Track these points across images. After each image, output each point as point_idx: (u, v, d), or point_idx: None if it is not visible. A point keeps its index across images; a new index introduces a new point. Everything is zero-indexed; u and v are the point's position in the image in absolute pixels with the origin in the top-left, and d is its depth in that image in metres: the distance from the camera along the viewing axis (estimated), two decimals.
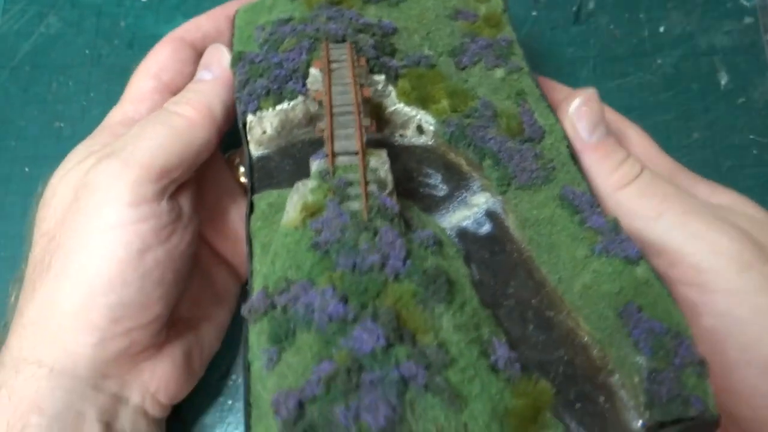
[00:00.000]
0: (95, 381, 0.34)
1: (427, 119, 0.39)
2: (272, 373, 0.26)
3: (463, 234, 0.35)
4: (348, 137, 0.34)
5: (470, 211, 0.36)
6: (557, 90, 0.44)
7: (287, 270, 0.29)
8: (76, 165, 0.37)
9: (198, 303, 0.42)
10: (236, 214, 0.44)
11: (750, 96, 0.55)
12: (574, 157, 0.36)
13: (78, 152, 0.39)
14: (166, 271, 0.35)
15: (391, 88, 0.40)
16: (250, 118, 0.39)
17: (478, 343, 0.27)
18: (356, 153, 0.33)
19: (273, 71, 0.39)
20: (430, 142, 0.40)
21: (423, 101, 0.39)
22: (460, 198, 0.37)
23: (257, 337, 0.28)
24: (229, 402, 0.45)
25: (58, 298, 0.33)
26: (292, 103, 0.39)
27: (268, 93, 0.39)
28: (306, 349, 0.26)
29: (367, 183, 0.31)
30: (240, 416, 0.44)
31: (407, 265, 0.28)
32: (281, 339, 0.27)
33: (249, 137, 0.39)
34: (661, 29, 0.58)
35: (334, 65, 0.37)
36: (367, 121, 0.34)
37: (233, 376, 0.45)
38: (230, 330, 0.44)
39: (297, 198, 0.32)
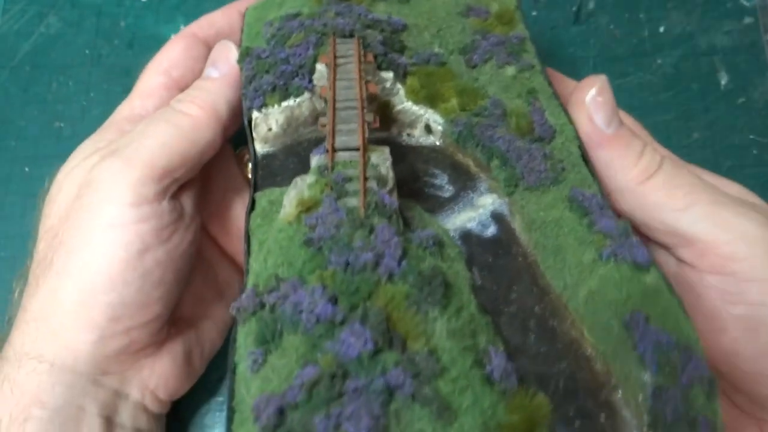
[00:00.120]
0: (95, 377, 0.34)
1: (435, 119, 0.38)
2: (257, 376, 0.25)
3: (466, 236, 0.34)
4: (350, 133, 0.33)
5: (476, 213, 0.35)
6: (565, 83, 0.43)
7: (278, 267, 0.28)
8: (82, 162, 0.37)
9: (200, 300, 0.41)
10: (242, 210, 0.43)
11: (750, 96, 0.55)
12: (585, 157, 0.35)
13: (84, 148, 0.39)
14: (166, 271, 0.35)
15: (399, 86, 0.39)
16: (255, 114, 0.38)
17: (473, 351, 0.25)
18: (357, 149, 0.32)
19: (279, 67, 0.38)
20: (438, 143, 0.39)
21: (432, 100, 0.38)
22: (466, 199, 0.36)
23: (245, 338, 0.27)
24: None
25: (59, 295, 0.33)
26: (298, 99, 0.38)
27: (273, 89, 0.38)
28: (292, 352, 0.25)
29: (366, 179, 0.30)
30: None
31: (402, 265, 0.27)
32: (268, 340, 0.26)
33: (254, 134, 0.39)
34: (661, 29, 0.58)
35: (340, 60, 0.36)
36: (370, 117, 0.33)
37: None
38: (232, 328, 0.43)
39: (294, 193, 0.31)
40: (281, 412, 0.23)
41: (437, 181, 0.37)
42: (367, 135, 0.32)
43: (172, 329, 0.38)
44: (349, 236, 0.27)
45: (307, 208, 0.29)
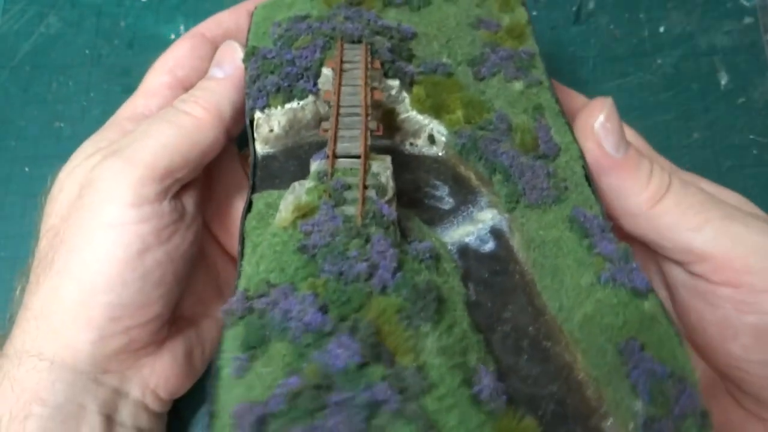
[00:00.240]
0: (96, 375, 0.34)
1: (439, 129, 0.38)
2: (240, 382, 0.25)
3: (464, 250, 0.33)
4: (352, 139, 0.32)
5: (475, 227, 0.34)
6: (571, 96, 0.43)
7: (271, 272, 0.27)
8: (83, 161, 0.37)
9: (201, 299, 0.41)
10: None
11: (750, 96, 0.55)
12: (588, 177, 0.34)
13: (86, 147, 0.39)
14: (166, 271, 0.35)
15: (405, 94, 0.39)
16: (257, 114, 0.38)
17: (463, 369, 0.25)
18: (358, 156, 0.31)
19: (285, 68, 0.38)
20: (440, 153, 0.38)
21: (437, 110, 0.38)
22: (465, 213, 0.35)
23: (231, 342, 0.26)
24: None
25: (59, 294, 0.33)
26: (301, 102, 0.38)
27: (278, 90, 0.38)
28: (278, 360, 0.24)
29: (366, 187, 0.30)
30: None
31: (397, 277, 0.26)
32: (254, 346, 0.25)
33: (255, 134, 0.38)
34: (661, 29, 0.58)
35: (346, 65, 0.36)
36: (373, 125, 0.33)
37: None
38: None
39: (291, 198, 0.30)
40: (262, 422, 0.22)
41: (438, 193, 0.37)
42: (369, 143, 0.32)
43: (172, 328, 0.38)
44: (345, 245, 0.27)
45: (304, 214, 0.29)
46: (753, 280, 0.32)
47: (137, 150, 0.35)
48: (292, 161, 0.38)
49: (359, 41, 0.38)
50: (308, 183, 0.31)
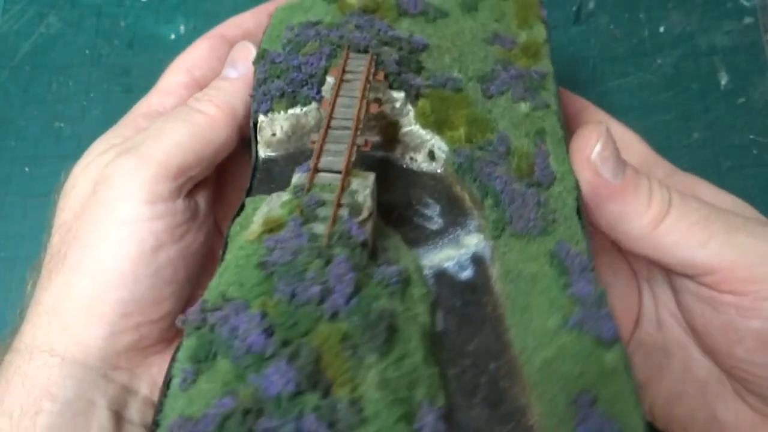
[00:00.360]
0: (105, 371, 0.34)
1: (440, 145, 0.37)
2: (184, 395, 0.25)
3: (441, 276, 0.33)
4: (337, 154, 0.32)
5: (457, 252, 0.33)
6: (575, 101, 0.42)
7: (230, 286, 0.27)
8: (97, 157, 0.38)
9: None
10: None
11: (750, 96, 0.55)
12: (580, 211, 0.33)
13: (100, 144, 0.39)
14: (178, 269, 0.35)
15: (409, 107, 0.38)
16: (261, 118, 0.38)
17: (405, 404, 0.24)
18: (340, 172, 0.31)
19: (290, 74, 0.38)
20: (439, 171, 0.38)
21: (440, 126, 0.37)
22: (452, 235, 0.34)
23: (184, 352, 0.26)
24: None
25: (72, 290, 0.34)
26: (305, 108, 0.38)
27: (282, 95, 0.38)
28: (219, 378, 0.24)
29: (340, 205, 0.29)
30: None
31: (351, 303, 0.26)
32: (201, 360, 0.25)
33: (258, 137, 0.38)
34: (661, 29, 0.58)
35: (348, 76, 0.36)
36: (361, 140, 0.32)
37: None
38: None
39: (266, 209, 0.30)
40: None
41: (428, 212, 0.36)
42: (354, 159, 0.31)
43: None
44: (304, 265, 0.26)
45: (271, 228, 0.28)
46: (757, 288, 0.33)
47: (151, 147, 0.36)
48: (292, 167, 0.38)
49: (366, 51, 0.37)
50: (285, 195, 0.31)
